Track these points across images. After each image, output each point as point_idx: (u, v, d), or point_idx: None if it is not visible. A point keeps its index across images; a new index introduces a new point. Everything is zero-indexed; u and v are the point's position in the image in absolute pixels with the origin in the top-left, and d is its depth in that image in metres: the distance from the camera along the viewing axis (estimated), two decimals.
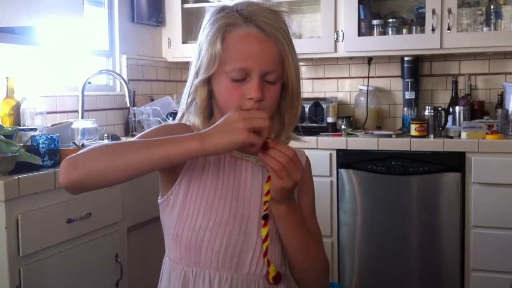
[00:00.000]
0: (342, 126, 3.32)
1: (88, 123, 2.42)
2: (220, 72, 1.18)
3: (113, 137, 3.04)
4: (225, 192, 1.20)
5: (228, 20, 1.18)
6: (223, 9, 1.20)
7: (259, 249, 1.20)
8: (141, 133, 1.22)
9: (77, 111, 2.91)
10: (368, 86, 3.54)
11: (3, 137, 2.02)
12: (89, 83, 2.99)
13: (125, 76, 3.32)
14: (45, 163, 2.06)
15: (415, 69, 3.44)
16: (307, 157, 1.34)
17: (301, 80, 1.26)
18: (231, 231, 1.18)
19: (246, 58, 1.16)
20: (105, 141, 0.97)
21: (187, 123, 1.25)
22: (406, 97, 3.45)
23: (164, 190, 1.24)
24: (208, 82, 1.22)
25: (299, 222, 1.21)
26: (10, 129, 2.14)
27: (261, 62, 1.16)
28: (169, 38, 3.68)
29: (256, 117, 1.09)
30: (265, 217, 1.18)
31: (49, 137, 2.10)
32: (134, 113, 3.31)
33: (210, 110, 1.27)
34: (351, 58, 3.59)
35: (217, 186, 1.20)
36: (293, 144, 1.30)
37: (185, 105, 1.25)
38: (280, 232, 1.21)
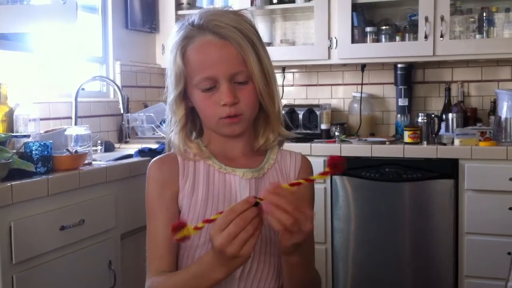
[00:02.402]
0: (336, 133, 3.32)
1: (81, 130, 2.40)
2: (190, 86, 1.20)
3: (107, 144, 3.03)
4: (215, 209, 1.19)
5: (184, 34, 1.19)
6: (181, 25, 1.21)
7: (248, 264, 1.18)
8: (146, 182, 1.24)
9: (70, 118, 2.90)
10: (361, 93, 3.55)
11: None
12: (83, 89, 2.99)
13: (118, 82, 3.32)
14: (38, 170, 2.05)
15: (408, 76, 3.46)
16: (303, 156, 1.33)
17: (273, 76, 1.23)
18: None
19: (208, 66, 1.16)
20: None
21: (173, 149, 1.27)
22: (400, 104, 3.47)
23: None
24: (186, 98, 1.23)
25: (308, 260, 1.18)
26: (3, 135, 2.13)
27: (223, 66, 1.15)
28: (163, 45, 3.68)
29: (236, 229, 0.98)
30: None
31: (42, 143, 2.09)
32: (128, 120, 3.30)
33: (200, 125, 1.29)
34: (344, 65, 3.60)
35: (208, 204, 1.20)
36: (288, 146, 1.29)
37: (168, 128, 1.27)
38: (285, 270, 1.17)
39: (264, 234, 1.19)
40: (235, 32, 1.16)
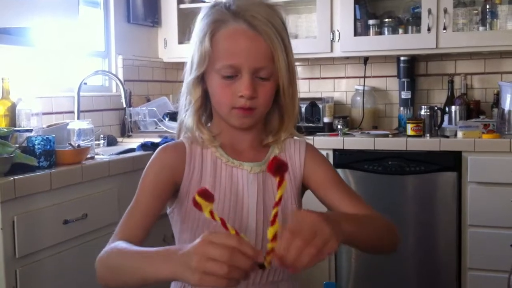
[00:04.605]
0: (339, 126, 3.32)
1: (84, 124, 2.40)
2: (211, 70, 1.17)
3: (109, 138, 3.03)
4: (222, 205, 1.18)
5: (217, 17, 1.16)
6: (213, 6, 1.19)
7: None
8: (146, 169, 1.21)
9: (73, 112, 2.90)
10: (364, 86, 3.54)
11: None
12: (85, 84, 2.99)
13: (121, 76, 3.31)
14: (41, 164, 2.05)
15: (411, 69, 3.44)
16: (308, 144, 1.31)
17: (296, 76, 1.23)
18: None
19: (235, 55, 1.14)
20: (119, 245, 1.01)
21: (185, 137, 1.26)
22: (402, 96, 3.45)
23: (170, 201, 1.25)
24: (202, 81, 1.21)
25: (357, 223, 1.10)
26: (5, 130, 2.13)
27: (250, 58, 1.14)
28: (165, 39, 3.67)
29: (218, 257, 0.85)
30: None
31: (44, 138, 2.09)
32: (130, 114, 3.30)
33: (209, 111, 1.27)
34: (347, 58, 3.59)
35: (215, 197, 1.17)
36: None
37: (183, 107, 1.25)
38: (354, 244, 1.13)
39: (261, 228, 1.19)
40: (269, 27, 1.15)
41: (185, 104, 1.24)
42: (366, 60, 3.57)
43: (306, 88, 3.70)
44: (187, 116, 1.24)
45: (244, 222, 1.19)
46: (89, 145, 2.33)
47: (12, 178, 1.83)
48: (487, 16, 3.15)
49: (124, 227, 1.16)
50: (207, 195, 0.92)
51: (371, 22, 3.36)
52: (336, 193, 1.23)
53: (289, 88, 1.20)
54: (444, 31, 3.12)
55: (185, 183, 1.20)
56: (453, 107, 3.24)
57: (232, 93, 1.15)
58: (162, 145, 1.25)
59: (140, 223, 1.16)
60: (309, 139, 3.09)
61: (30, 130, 2.28)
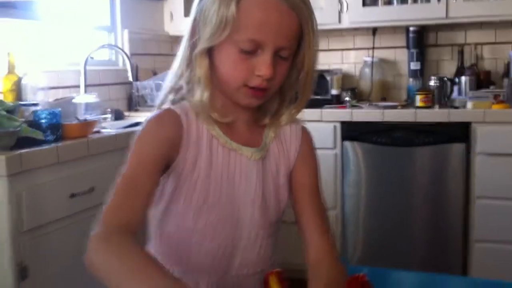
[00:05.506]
0: (347, 98, 3.29)
1: (90, 98, 2.41)
2: (227, 40, 1.02)
3: (117, 112, 3.03)
4: (218, 192, 1.07)
5: None
6: None
7: (249, 252, 1.12)
8: (139, 135, 1.06)
9: (79, 86, 2.90)
10: (373, 57, 3.50)
11: (4, 112, 2.02)
12: (91, 58, 2.98)
13: (127, 50, 3.30)
14: (47, 138, 2.05)
15: (421, 39, 3.40)
16: (304, 127, 1.20)
17: (316, 63, 1.11)
18: (221, 234, 1.09)
19: (263, 29, 1.00)
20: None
21: (173, 107, 1.09)
22: (411, 67, 3.41)
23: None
24: (207, 52, 1.06)
25: None
26: (11, 104, 2.13)
27: (278, 36, 1.01)
28: (171, 12, 3.64)
29: None
30: None
31: (51, 111, 2.09)
32: (137, 88, 3.29)
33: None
34: (355, 29, 3.54)
35: (210, 185, 1.07)
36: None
37: (171, 85, 1.12)
38: None
39: (257, 219, 1.12)
40: (305, 5, 1.03)
41: (187, 76, 1.09)
42: (374, 31, 3.52)
43: None
44: (197, 91, 1.08)
45: (237, 213, 1.10)
46: (96, 119, 2.32)
47: (18, 152, 1.84)
48: None
49: (120, 211, 0.97)
50: (281, 280, 0.92)
51: None
52: (308, 206, 1.15)
53: (312, 74, 1.10)
54: (454, 0, 3.07)
55: (179, 161, 1.06)
56: (463, 78, 3.19)
57: (248, 70, 1.02)
58: (156, 116, 1.07)
59: (139, 205, 0.99)
60: (316, 111, 3.07)
61: (36, 104, 2.28)
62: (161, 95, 1.15)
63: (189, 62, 1.08)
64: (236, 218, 1.10)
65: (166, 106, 1.11)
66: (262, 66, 1.01)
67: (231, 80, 1.05)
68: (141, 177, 1.01)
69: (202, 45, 1.04)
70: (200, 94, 1.07)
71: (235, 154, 1.10)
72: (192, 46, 1.07)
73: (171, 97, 1.13)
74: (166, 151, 1.04)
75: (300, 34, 1.05)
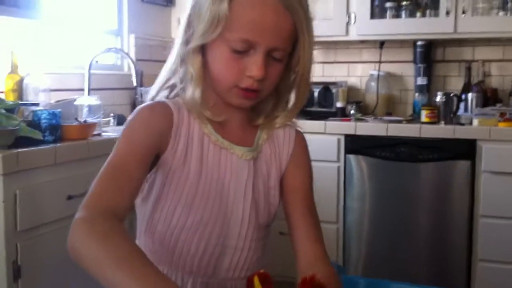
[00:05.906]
0: (352, 111, 3.26)
1: (92, 100, 2.39)
2: (219, 39, 0.99)
3: (119, 117, 3.01)
4: (207, 189, 1.05)
5: None
6: None
7: (238, 253, 1.09)
8: (126, 125, 1.02)
9: (83, 90, 2.88)
10: (379, 71, 3.47)
11: (3, 111, 2.00)
12: (96, 61, 2.96)
13: (133, 56, 3.29)
14: (46, 138, 2.03)
15: (428, 54, 3.37)
16: (298, 131, 1.17)
17: (311, 66, 1.08)
18: (210, 233, 1.06)
19: (256, 29, 0.97)
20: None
21: (166, 100, 1.07)
22: (418, 82, 3.39)
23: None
24: (201, 47, 1.04)
25: None
26: (11, 103, 2.11)
27: (272, 37, 0.98)
28: (178, 18, 3.63)
29: None
30: None
31: (51, 112, 2.07)
32: (141, 93, 3.27)
33: None
34: (362, 41, 3.52)
35: (199, 182, 1.04)
36: (302, 124, 1.21)
37: (164, 81, 1.09)
38: None
39: (247, 219, 1.09)
40: (301, 6, 1.00)
41: (181, 72, 1.07)
42: (382, 44, 3.50)
43: (320, 72, 3.64)
44: (189, 88, 1.05)
45: (228, 212, 1.07)
46: (96, 121, 2.30)
47: (15, 151, 1.81)
48: (508, 0, 3.06)
49: (107, 195, 0.92)
50: (267, 282, 0.87)
51: (388, 4, 3.28)
52: (299, 210, 1.12)
53: (308, 73, 1.07)
54: (463, 15, 3.05)
55: (168, 154, 1.03)
56: (469, 95, 3.16)
57: (239, 70, 1.00)
58: (148, 105, 1.05)
59: (127, 191, 0.94)
60: (320, 124, 3.04)
61: (37, 104, 2.27)
62: (153, 89, 1.12)
63: (183, 58, 1.06)
64: (225, 217, 1.07)
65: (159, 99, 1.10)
66: (254, 66, 0.99)
67: (222, 80, 1.03)
68: (130, 163, 0.96)
69: (195, 42, 1.02)
70: (192, 92, 1.05)
71: (226, 152, 1.08)
72: (186, 42, 1.05)
73: (165, 93, 1.11)
74: (156, 140, 1.01)
75: (295, 36, 1.02)
